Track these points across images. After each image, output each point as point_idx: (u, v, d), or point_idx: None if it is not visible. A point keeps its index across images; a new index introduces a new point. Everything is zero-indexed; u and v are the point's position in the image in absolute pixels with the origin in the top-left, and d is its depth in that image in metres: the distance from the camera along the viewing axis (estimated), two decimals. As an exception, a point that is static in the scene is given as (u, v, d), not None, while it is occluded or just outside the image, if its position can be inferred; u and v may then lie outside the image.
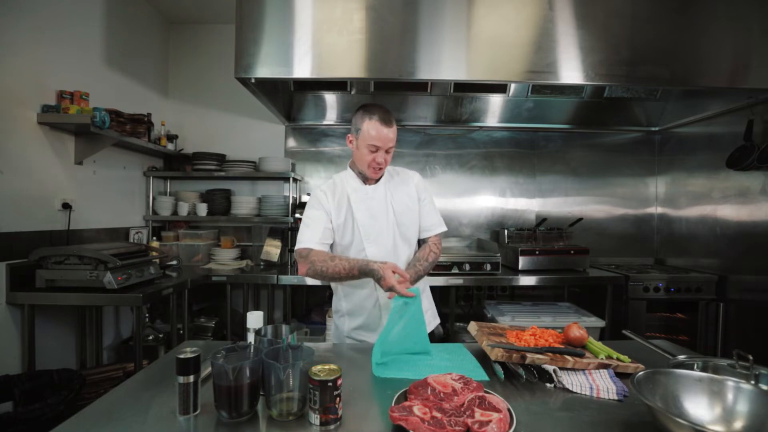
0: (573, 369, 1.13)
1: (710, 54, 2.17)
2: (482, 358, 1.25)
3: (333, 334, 1.66)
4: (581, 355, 1.17)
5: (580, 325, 1.27)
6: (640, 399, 0.82)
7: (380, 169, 1.46)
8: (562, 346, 1.22)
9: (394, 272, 1.26)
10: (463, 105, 2.90)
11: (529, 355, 1.12)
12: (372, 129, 1.40)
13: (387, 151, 1.44)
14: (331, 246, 1.52)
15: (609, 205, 3.32)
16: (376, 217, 1.50)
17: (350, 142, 1.51)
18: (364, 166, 1.47)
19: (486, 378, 1.11)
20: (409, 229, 1.56)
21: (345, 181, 1.55)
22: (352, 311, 1.55)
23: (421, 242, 1.63)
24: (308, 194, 3.16)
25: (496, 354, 1.13)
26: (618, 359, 1.17)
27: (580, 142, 3.32)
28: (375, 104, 1.46)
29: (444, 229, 1.62)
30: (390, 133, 1.42)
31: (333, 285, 1.61)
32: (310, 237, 1.44)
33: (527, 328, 1.34)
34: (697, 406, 0.88)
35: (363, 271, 1.32)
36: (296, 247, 1.46)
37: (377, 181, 1.54)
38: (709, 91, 2.41)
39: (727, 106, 2.57)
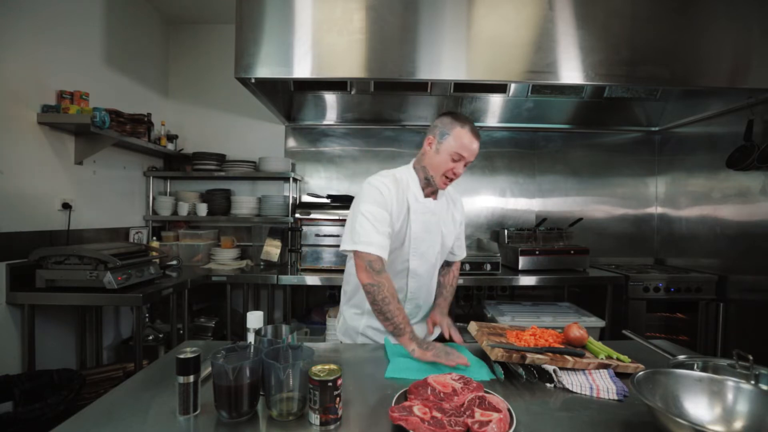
0: (573, 369, 1.13)
1: (710, 54, 2.17)
2: (482, 358, 1.25)
3: (340, 328, 1.59)
4: (581, 355, 1.17)
5: (580, 325, 1.27)
6: (640, 399, 0.82)
7: (452, 181, 1.40)
8: (562, 346, 1.22)
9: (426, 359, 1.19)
10: (463, 105, 2.90)
11: (529, 355, 1.12)
12: (464, 138, 1.34)
13: (465, 164, 1.39)
14: None
15: (609, 205, 3.32)
16: (430, 232, 1.46)
17: (429, 144, 1.39)
18: (437, 174, 1.38)
19: (492, 376, 1.12)
20: (447, 251, 1.58)
21: (407, 186, 1.43)
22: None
23: (444, 264, 1.64)
24: (308, 194, 3.16)
25: (496, 354, 1.13)
26: (618, 359, 1.17)
27: (580, 142, 3.32)
28: (464, 115, 1.41)
29: (465, 254, 1.68)
30: (478, 147, 1.38)
31: (355, 286, 1.49)
32: (379, 241, 1.28)
33: (527, 328, 1.34)
34: (697, 406, 0.88)
35: (400, 333, 1.24)
36: (362, 248, 1.27)
37: (435, 196, 1.48)
38: (709, 91, 2.41)
39: (727, 106, 2.57)
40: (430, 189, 1.45)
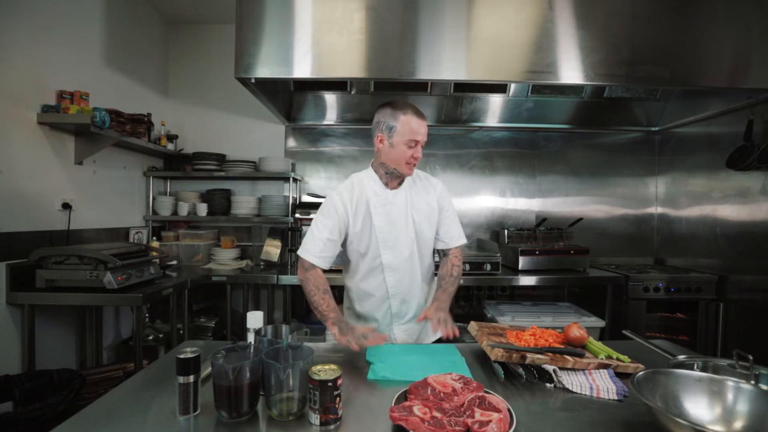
0: (573, 369, 1.13)
1: (710, 54, 2.17)
2: (482, 358, 1.25)
3: None
4: (581, 355, 1.17)
5: (580, 325, 1.27)
6: (640, 399, 0.82)
7: (415, 164, 1.44)
8: (562, 346, 1.22)
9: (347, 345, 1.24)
10: (463, 105, 2.90)
11: (529, 355, 1.12)
12: (412, 122, 1.38)
13: (421, 146, 1.42)
14: (346, 251, 1.52)
15: (609, 205, 3.32)
16: (395, 223, 1.47)
17: (380, 141, 1.44)
18: (400, 164, 1.42)
19: (468, 374, 1.11)
20: (427, 239, 1.53)
21: (365, 184, 1.50)
22: (364, 316, 1.55)
23: (440, 253, 1.61)
24: (308, 194, 3.16)
25: (496, 354, 1.13)
26: (618, 359, 1.17)
27: (580, 142, 3.32)
28: (400, 100, 1.45)
29: (464, 241, 1.60)
30: (425, 126, 1.41)
31: (346, 287, 1.61)
32: (312, 248, 1.45)
33: (527, 328, 1.34)
34: (697, 406, 0.88)
35: (333, 322, 1.33)
36: (300, 253, 1.46)
37: (399, 185, 1.50)
38: (709, 91, 2.41)
39: (727, 106, 2.57)
40: (396, 180, 1.49)
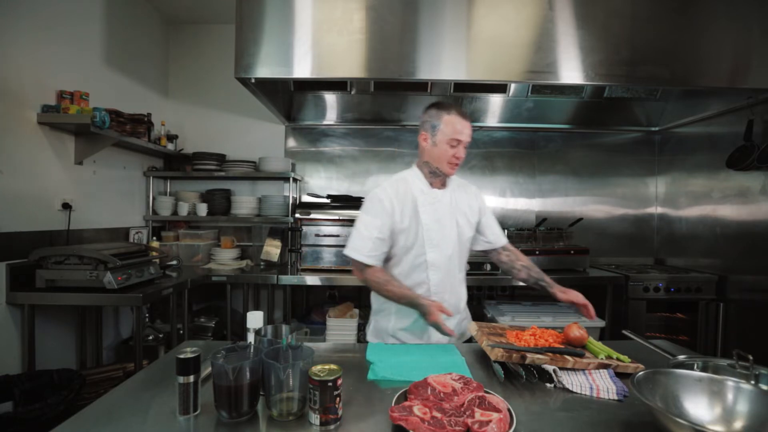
0: (573, 369, 1.13)
1: (710, 54, 2.17)
2: (482, 358, 1.25)
3: (372, 332, 1.62)
4: (581, 355, 1.17)
5: (580, 325, 1.27)
6: (640, 399, 0.82)
7: (457, 164, 1.46)
8: (562, 346, 1.22)
9: (440, 311, 1.30)
10: (463, 105, 2.90)
11: (529, 355, 1.12)
12: (455, 123, 1.42)
13: (465, 146, 1.45)
14: (391, 249, 1.51)
15: (609, 205, 3.32)
16: (442, 221, 1.50)
17: (424, 140, 1.48)
18: (442, 163, 1.46)
19: (468, 374, 1.11)
20: (467, 241, 1.57)
21: (410, 182, 1.53)
22: (399, 311, 1.53)
23: (501, 248, 1.65)
24: (308, 194, 3.16)
25: (496, 354, 1.13)
26: (618, 359, 1.17)
27: (580, 142, 3.32)
28: (446, 101, 1.49)
29: (506, 240, 1.67)
30: (469, 126, 1.44)
31: None
32: (362, 247, 1.46)
33: (527, 328, 1.34)
34: (697, 406, 0.88)
35: (411, 304, 1.38)
36: (350, 254, 1.47)
37: (443, 185, 1.54)
38: (709, 91, 2.41)
39: (727, 106, 2.57)
40: (439, 180, 1.53)
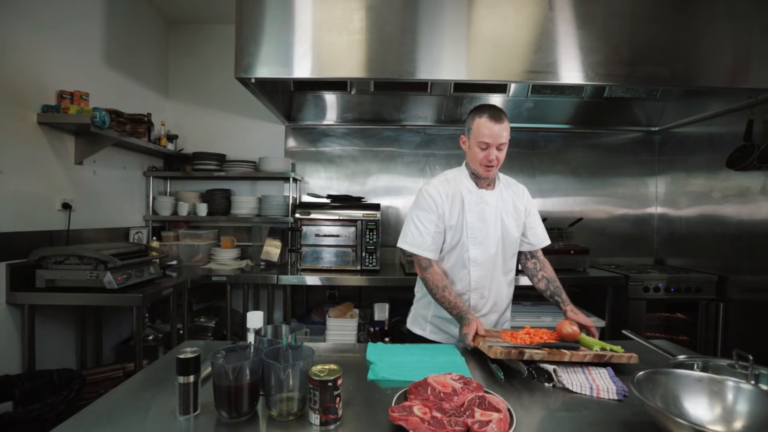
0: (573, 368, 1.13)
1: (710, 54, 2.17)
2: (482, 358, 1.25)
3: (410, 319, 1.69)
4: (576, 349, 1.18)
5: (572, 322, 1.30)
6: (640, 399, 0.82)
7: (491, 167, 1.47)
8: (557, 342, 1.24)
9: (477, 328, 1.31)
10: (463, 105, 2.90)
11: (527, 351, 1.13)
12: (482, 126, 1.43)
13: (499, 149, 1.45)
14: None
15: (609, 205, 3.32)
16: (486, 221, 1.52)
17: (463, 143, 1.54)
18: (476, 165, 1.49)
19: (468, 374, 1.11)
20: (513, 240, 1.59)
21: (459, 181, 1.56)
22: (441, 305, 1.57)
23: (527, 255, 1.68)
24: (308, 194, 3.16)
25: (494, 351, 1.13)
26: (612, 350, 1.18)
27: (580, 142, 3.32)
28: (487, 104, 1.50)
29: (549, 242, 1.69)
30: (500, 129, 1.43)
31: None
32: (422, 242, 1.50)
33: (521, 329, 1.35)
34: (697, 406, 0.88)
35: (458, 314, 1.41)
36: (411, 249, 1.51)
37: (490, 185, 1.57)
38: (709, 91, 2.41)
39: (727, 106, 2.57)
40: (484, 181, 1.55)
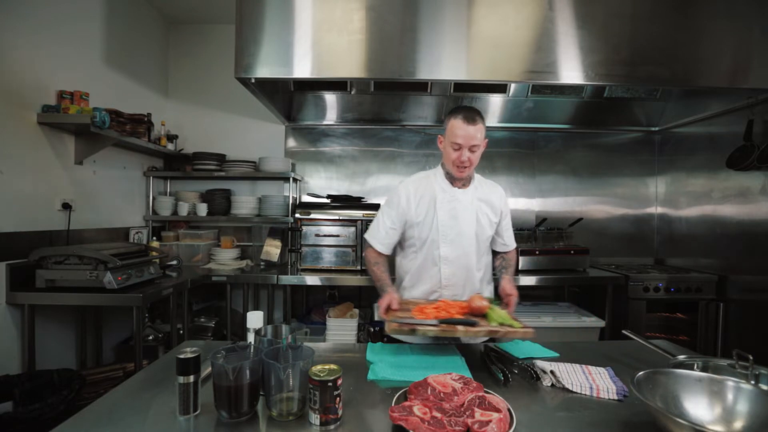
0: (572, 368, 1.13)
1: (710, 54, 2.17)
2: (482, 358, 1.25)
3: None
4: (473, 324, 1.21)
5: (482, 296, 1.37)
6: (639, 399, 0.82)
7: (464, 167, 1.49)
8: (462, 317, 1.27)
9: (389, 305, 1.38)
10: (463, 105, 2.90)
11: (420, 327, 1.18)
12: (456, 127, 1.45)
13: (471, 150, 1.47)
14: (406, 238, 1.62)
15: (609, 205, 3.32)
16: (458, 218, 1.55)
17: (440, 143, 1.57)
18: (450, 165, 1.52)
19: (468, 374, 1.12)
20: (486, 239, 1.62)
21: (432, 180, 1.60)
22: (409, 286, 1.65)
23: (496, 255, 1.72)
24: (308, 194, 3.16)
25: (388, 327, 1.19)
26: (510, 325, 1.21)
27: (580, 142, 3.32)
28: (465, 105, 1.53)
29: (515, 245, 1.74)
30: (473, 130, 1.44)
31: (398, 274, 1.72)
32: (376, 234, 1.64)
33: (436, 302, 1.41)
34: (697, 406, 0.88)
35: (380, 286, 1.53)
36: (366, 236, 1.67)
37: (464, 185, 1.59)
38: (709, 91, 2.41)
39: (727, 106, 2.57)
40: (459, 182, 1.57)
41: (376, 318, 2.77)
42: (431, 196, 1.56)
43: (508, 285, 1.49)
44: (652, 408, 0.79)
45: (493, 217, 1.61)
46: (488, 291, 1.69)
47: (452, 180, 1.57)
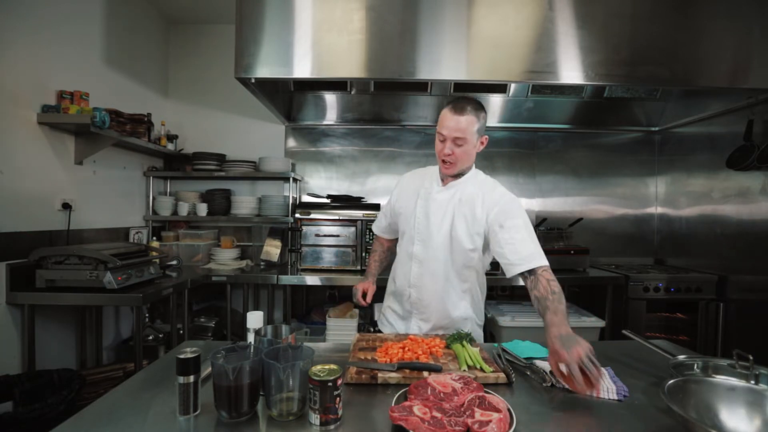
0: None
1: (710, 54, 2.17)
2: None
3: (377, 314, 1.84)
4: (439, 370, 1.08)
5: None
6: (673, 410, 0.78)
7: (449, 163, 1.37)
8: (428, 361, 1.14)
9: (363, 293, 1.63)
10: (463, 105, 2.90)
11: (380, 374, 1.06)
12: (443, 117, 1.35)
13: (456, 143, 1.33)
14: (398, 229, 1.64)
15: (609, 205, 3.32)
16: (429, 219, 1.45)
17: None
18: (438, 159, 1.42)
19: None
20: (462, 248, 1.40)
21: (430, 175, 1.54)
22: (398, 292, 1.62)
23: (524, 276, 1.32)
24: (308, 194, 3.16)
25: (348, 374, 1.06)
26: (481, 369, 1.10)
27: (580, 142, 3.32)
28: (465, 96, 1.43)
29: (544, 263, 1.29)
30: (460, 121, 1.30)
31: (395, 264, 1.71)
32: (378, 221, 1.75)
33: (405, 338, 1.30)
34: (732, 417, 0.86)
35: (366, 272, 1.76)
36: (373, 226, 1.79)
37: (455, 180, 1.46)
38: (709, 91, 2.41)
39: (727, 106, 2.57)
40: (448, 179, 1.48)
41: (376, 318, 2.77)
42: (415, 191, 1.51)
43: (554, 342, 1.04)
44: (685, 419, 0.75)
45: (472, 225, 1.39)
46: (462, 307, 1.50)
47: (443, 177, 1.47)
